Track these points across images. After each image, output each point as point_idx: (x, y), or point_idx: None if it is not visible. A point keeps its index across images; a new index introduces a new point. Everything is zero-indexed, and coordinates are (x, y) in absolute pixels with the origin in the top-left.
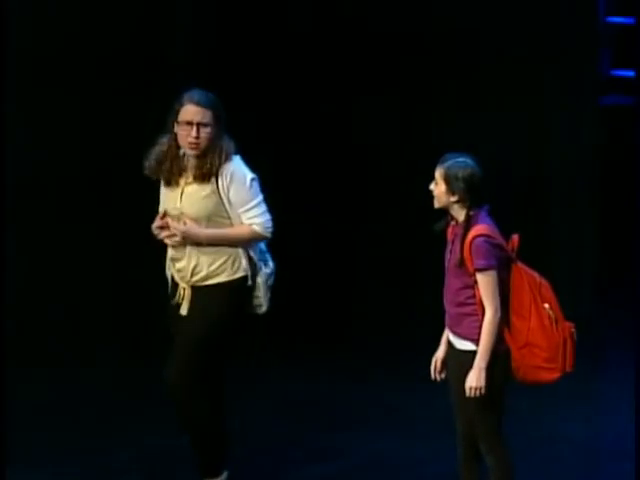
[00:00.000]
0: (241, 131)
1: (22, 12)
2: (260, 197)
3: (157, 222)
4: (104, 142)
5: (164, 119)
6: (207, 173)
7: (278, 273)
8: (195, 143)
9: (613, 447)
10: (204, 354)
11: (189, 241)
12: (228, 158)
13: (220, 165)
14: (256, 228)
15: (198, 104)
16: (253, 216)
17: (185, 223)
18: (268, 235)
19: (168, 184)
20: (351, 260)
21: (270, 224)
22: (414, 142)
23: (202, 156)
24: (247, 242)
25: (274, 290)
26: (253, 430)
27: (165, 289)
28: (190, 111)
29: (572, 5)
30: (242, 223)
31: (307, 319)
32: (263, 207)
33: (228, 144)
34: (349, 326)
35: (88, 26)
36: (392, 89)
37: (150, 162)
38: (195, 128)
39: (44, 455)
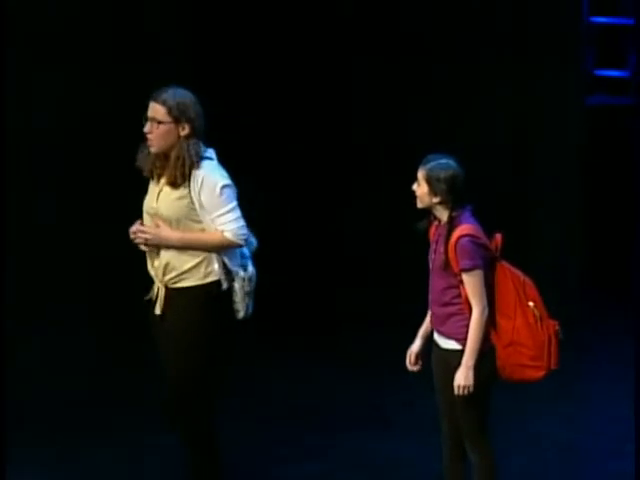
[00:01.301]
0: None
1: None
2: (233, 204)
3: (135, 226)
4: (103, 142)
5: None
6: (173, 181)
7: (272, 276)
8: (148, 138)
9: (597, 447)
10: (194, 377)
11: (161, 243)
12: (194, 166)
13: (185, 174)
14: (227, 235)
15: (154, 100)
16: (224, 222)
17: (158, 225)
18: (240, 242)
19: (152, 181)
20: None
21: (243, 231)
22: (401, 141)
23: (164, 158)
24: (219, 248)
25: (258, 294)
26: (237, 429)
27: None
28: (149, 106)
29: (556, 5)
30: (216, 229)
31: (290, 320)
32: (236, 214)
33: (193, 150)
34: (333, 328)
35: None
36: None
37: (139, 155)
38: (149, 124)
39: (44, 455)
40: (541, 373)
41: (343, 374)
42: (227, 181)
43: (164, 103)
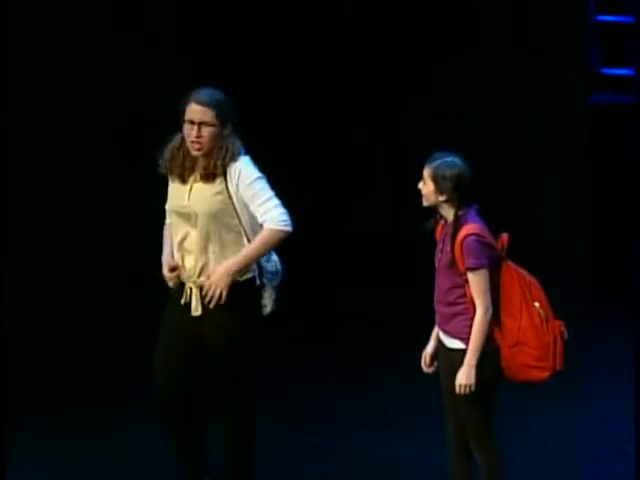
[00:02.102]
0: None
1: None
2: (271, 193)
3: (169, 272)
4: (103, 142)
5: (162, 118)
6: (211, 173)
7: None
8: (197, 142)
9: (598, 446)
10: (247, 372)
11: (227, 282)
12: (233, 158)
13: (225, 165)
14: (270, 225)
15: (201, 103)
16: (265, 211)
17: (208, 277)
18: (286, 228)
19: (178, 180)
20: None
21: (285, 217)
22: (401, 141)
23: (207, 155)
24: (271, 245)
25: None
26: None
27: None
28: (193, 110)
29: (562, 4)
30: (255, 222)
31: (290, 320)
32: (274, 202)
33: (234, 144)
34: (333, 328)
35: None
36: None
37: (164, 158)
38: (197, 127)
39: (44, 455)
40: (546, 374)
41: (343, 374)
42: (261, 174)
43: (211, 106)
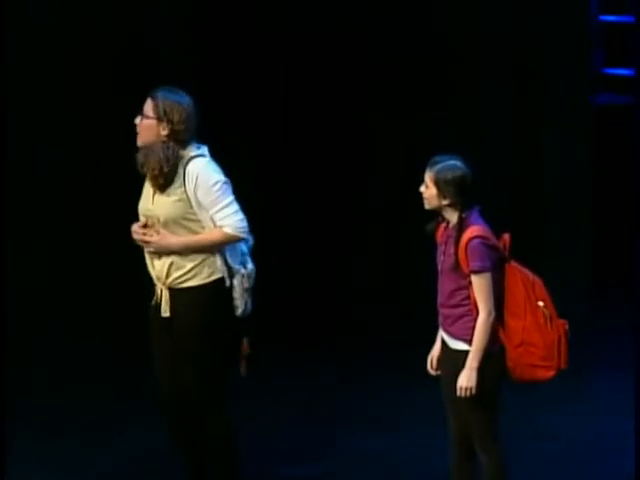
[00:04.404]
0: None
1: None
2: (230, 198)
3: (136, 225)
4: (103, 142)
5: None
6: (155, 185)
7: (273, 275)
8: (138, 132)
9: (600, 445)
10: (214, 375)
11: (164, 249)
12: (167, 165)
13: (161, 172)
14: (228, 230)
15: (150, 95)
16: (223, 217)
17: (158, 232)
18: (242, 235)
19: (148, 182)
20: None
21: (243, 224)
22: (401, 142)
23: (148, 163)
24: (221, 245)
25: (255, 291)
26: (237, 431)
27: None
28: (146, 101)
29: (564, 4)
30: (214, 226)
31: (290, 320)
32: (234, 207)
33: (166, 153)
34: (333, 328)
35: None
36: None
37: (138, 157)
38: (139, 117)
39: (44, 455)
40: (551, 373)
41: (343, 374)
42: (221, 176)
43: (153, 99)
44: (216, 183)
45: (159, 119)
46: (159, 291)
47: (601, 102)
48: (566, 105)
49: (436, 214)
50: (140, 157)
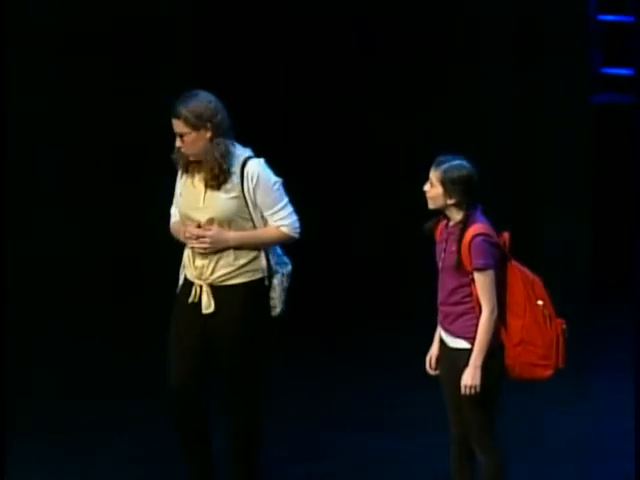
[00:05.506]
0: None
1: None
2: (287, 199)
3: (190, 228)
4: (103, 142)
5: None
6: (215, 183)
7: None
8: (184, 151)
9: (599, 445)
10: (257, 372)
11: (221, 245)
12: (222, 165)
13: (222, 169)
14: (284, 229)
15: (173, 115)
16: (281, 218)
17: (211, 229)
18: (296, 236)
19: (183, 177)
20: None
21: (298, 224)
22: (401, 142)
23: (203, 163)
24: (274, 243)
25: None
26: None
27: (169, 289)
28: (173, 124)
29: (563, 4)
30: (266, 225)
31: (290, 320)
32: (290, 208)
33: (218, 149)
34: (333, 328)
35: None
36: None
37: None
38: (179, 138)
39: (44, 455)
40: (550, 372)
41: (343, 374)
42: (278, 178)
43: (179, 116)
44: (275, 183)
45: (196, 128)
46: (198, 288)
47: (600, 102)
48: (565, 105)
49: (436, 213)
50: (178, 157)
